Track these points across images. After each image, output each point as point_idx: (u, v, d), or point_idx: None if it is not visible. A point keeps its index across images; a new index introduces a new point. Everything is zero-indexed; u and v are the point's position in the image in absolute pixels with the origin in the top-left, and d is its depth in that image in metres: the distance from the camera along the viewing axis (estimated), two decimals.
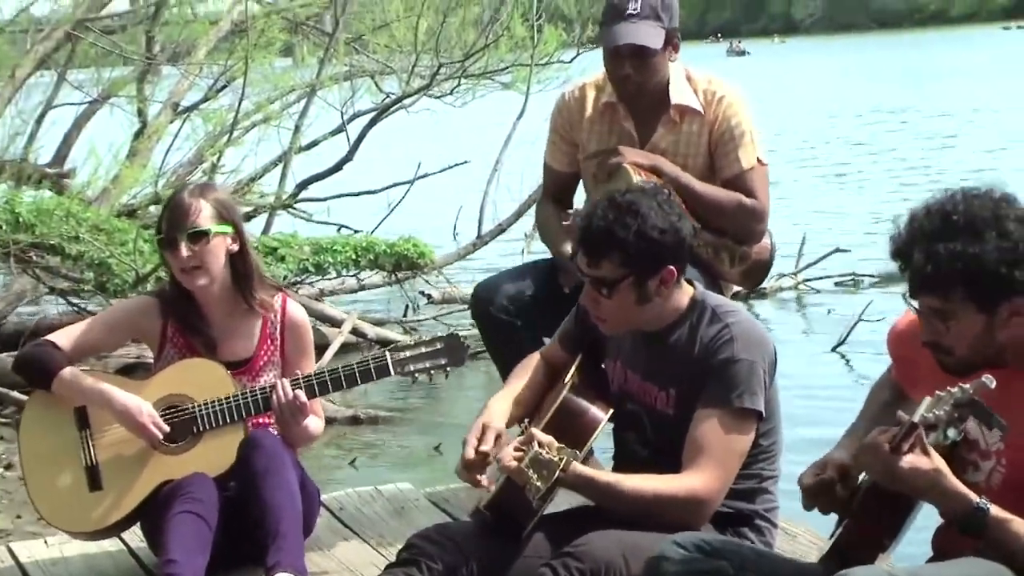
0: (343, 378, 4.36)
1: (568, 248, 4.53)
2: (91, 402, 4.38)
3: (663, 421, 3.78)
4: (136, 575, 4.61)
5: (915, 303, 3.17)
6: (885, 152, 24.38)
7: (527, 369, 4.14)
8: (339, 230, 12.64)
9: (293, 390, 4.32)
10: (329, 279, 11.66)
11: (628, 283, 3.68)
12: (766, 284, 9.72)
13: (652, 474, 3.68)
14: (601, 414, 3.83)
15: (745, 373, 3.67)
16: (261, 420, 4.45)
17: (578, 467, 3.56)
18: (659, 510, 3.61)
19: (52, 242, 9.82)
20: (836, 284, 13.16)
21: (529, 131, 11.42)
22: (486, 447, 3.84)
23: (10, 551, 4.86)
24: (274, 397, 4.31)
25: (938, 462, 3.03)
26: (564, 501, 3.82)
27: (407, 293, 12.13)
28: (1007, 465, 3.16)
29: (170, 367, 4.43)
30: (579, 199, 5.17)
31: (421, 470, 8.05)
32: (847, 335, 10.79)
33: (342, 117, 12.74)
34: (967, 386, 3.00)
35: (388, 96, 13.18)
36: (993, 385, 2.97)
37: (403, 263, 11.50)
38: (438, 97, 13.26)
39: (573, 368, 3.95)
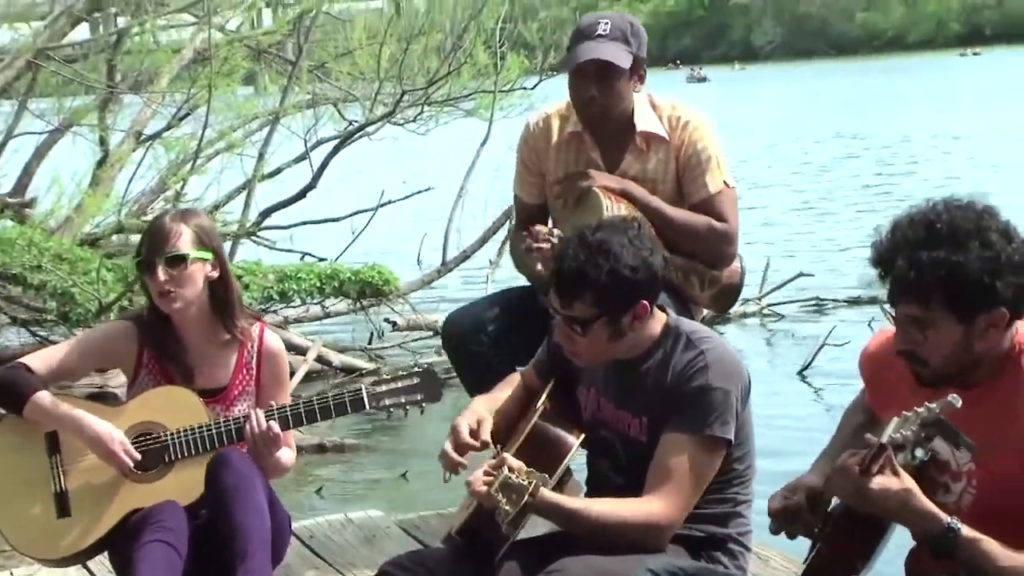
0: (318, 410, 4.31)
1: (540, 267, 4.51)
2: (63, 427, 4.32)
3: (637, 448, 3.76)
4: None
5: (893, 311, 3.17)
6: (847, 178, 24.53)
7: (509, 384, 4.13)
8: (303, 258, 12.63)
9: (267, 421, 4.28)
10: (294, 307, 11.65)
11: (601, 322, 3.67)
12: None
13: (618, 499, 3.67)
14: (572, 440, 3.82)
15: (719, 401, 3.65)
16: None
17: (546, 493, 3.54)
18: (620, 533, 3.59)
19: (14, 272, 9.78)
20: (800, 308, 13.23)
21: (493, 158, 11.44)
22: (480, 435, 3.87)
23: None
24: (247, 427, 4.27)
25: (908, 482, 3.04)
26: (540, 526, 3.81)
27: (372, 320, 12.10)
28: (978, 486, 3.16)
29: (144, 394, 4.37)
30: None
31: (388, 498, 8.03)
32: (812, 359, 10.85)
33: (305, 145, 12.77)
34: (933, 405, 3.00)
35: (351, 124, 13.21)
36: (959, 404, 2.97)
37: (368, 290, 11.53)
38: (401, 124, 13.31)
39: (544, 395, 3.94)
